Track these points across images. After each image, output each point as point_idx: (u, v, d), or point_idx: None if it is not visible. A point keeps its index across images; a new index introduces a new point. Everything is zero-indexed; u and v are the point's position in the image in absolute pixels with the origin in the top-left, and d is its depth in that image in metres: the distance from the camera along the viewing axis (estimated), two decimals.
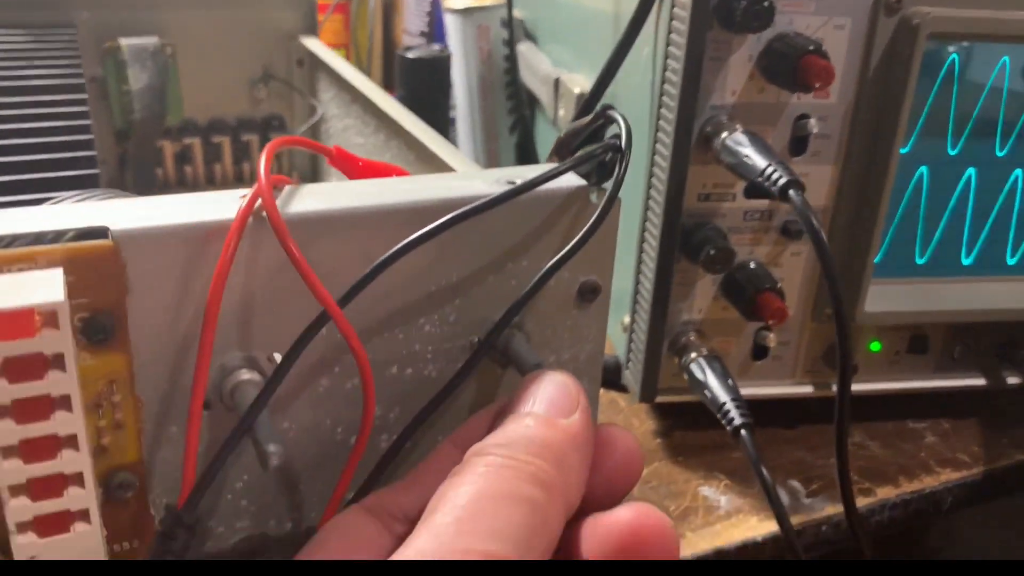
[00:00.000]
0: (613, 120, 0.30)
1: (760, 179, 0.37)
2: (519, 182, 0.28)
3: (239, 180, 0.65)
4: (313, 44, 0.63)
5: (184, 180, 0.64)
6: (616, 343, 0.50)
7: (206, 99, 0.63)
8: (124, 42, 0.57)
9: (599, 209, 0.28)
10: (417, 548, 0.21)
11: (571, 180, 0.30)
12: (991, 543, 0.85)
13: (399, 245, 0.26)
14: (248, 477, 0.28)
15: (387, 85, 0.88)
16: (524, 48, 0.67)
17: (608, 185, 0.29)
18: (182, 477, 0.25)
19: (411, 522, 0.25)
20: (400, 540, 0.24)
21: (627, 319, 0.47)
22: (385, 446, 0.30)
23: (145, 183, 0.61)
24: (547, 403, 0.25)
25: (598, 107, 0.30)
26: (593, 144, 0.30)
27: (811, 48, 0.38)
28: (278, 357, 0.26)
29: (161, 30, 0.60)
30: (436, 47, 0.66)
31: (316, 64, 0.63)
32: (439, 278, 0.29)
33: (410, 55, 0.64)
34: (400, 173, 0.32)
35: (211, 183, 0.64)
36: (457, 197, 0.28)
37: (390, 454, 0.28)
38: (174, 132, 0.63)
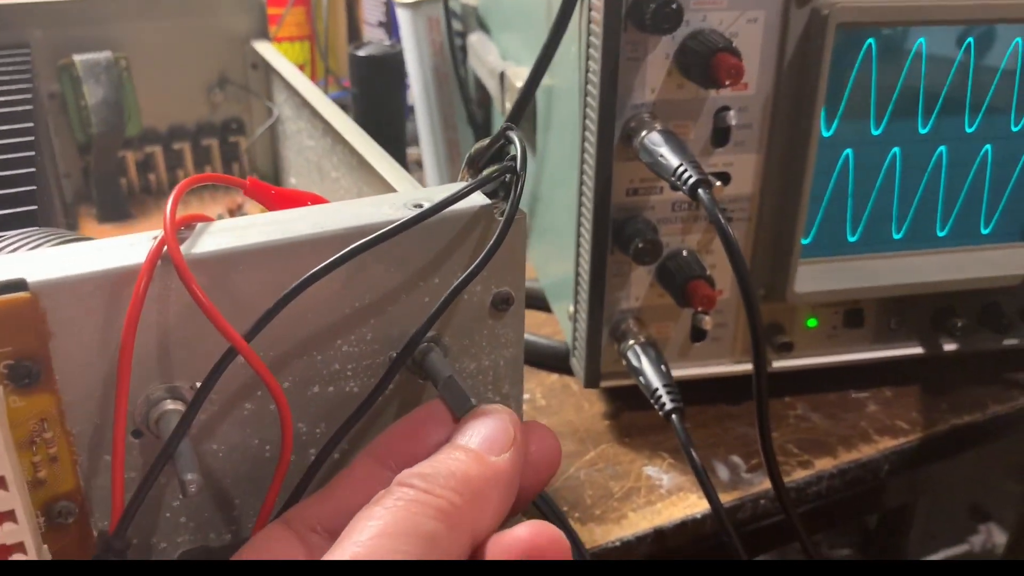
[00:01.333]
0: (511, 141, 0.31)
1: (673, 178, 0.38)
2: (426, 205, 0.30)
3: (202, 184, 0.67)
4: (264, 48, 0.64)
5: (148, 188, 0.65)
6: (565, 330, 0.52)
7: (165, 107, 0.65)
8: (77, 58, 0.59)
9: (499, 228, 0.30)
10: None
11: (477, 200, 0.31)
12: (966, 489, 0.87)
13: (302, 278, 0.27)
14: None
15: None
16: (475, 39, 0.68)
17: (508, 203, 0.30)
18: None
19: (327, 532, 0.27)
20: (312, 551, 0.26)
21: (571, 308, 0.49)
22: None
23: (110, 194, 0.62)
24: (481, 438, 0.27)
25: (501, 126, 0.32)
26: (496, 164, 0.31)
27: (722, 46, 0.40)
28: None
29: (116, 43, 0.61)
30: (387, 43, 0.67)
31: (270, 67, 0.64)
32: (352, 300, 0.30)
33: (361, 53, 0.65)
34: (316, 200, 0.33)
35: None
36: (363, 225, 0.29)
37: (312, 469, 0.30)
38: (135, 142, 0.64)
